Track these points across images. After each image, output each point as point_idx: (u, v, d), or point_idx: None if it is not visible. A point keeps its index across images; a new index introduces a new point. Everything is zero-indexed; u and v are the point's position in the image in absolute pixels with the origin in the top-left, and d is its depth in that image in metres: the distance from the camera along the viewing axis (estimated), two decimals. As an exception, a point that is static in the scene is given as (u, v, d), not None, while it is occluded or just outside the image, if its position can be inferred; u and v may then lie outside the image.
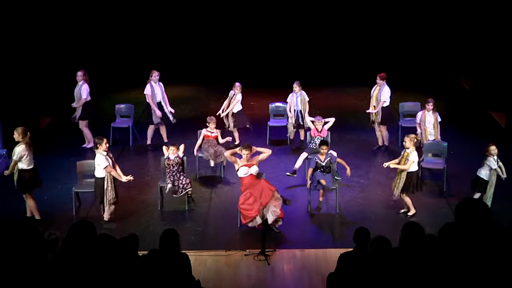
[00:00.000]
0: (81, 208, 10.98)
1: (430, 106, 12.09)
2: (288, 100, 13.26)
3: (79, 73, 13.15)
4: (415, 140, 10.33)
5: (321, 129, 12.06)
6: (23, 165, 10.20)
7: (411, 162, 10.19)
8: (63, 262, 5.77)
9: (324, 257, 9.37)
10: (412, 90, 15.64)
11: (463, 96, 16.93)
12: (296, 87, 13.08)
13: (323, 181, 10.48)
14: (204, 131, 12.25)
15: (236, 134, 13.40)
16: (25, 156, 10.14)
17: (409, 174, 10.28)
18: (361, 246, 6.69)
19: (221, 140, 12.14)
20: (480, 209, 4.88)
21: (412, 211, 10.57)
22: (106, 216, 10.40)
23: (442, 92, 16.85)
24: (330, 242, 9.86)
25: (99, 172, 10.21)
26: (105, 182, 10.14)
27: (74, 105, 13.24)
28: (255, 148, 10.67)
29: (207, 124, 12.22)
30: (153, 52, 18.99)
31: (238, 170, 10.41)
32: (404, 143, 10.38)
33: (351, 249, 6.77)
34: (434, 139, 11.97)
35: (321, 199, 10.74)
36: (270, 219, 9.79)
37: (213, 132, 12.17)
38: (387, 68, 14.07)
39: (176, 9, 19.33)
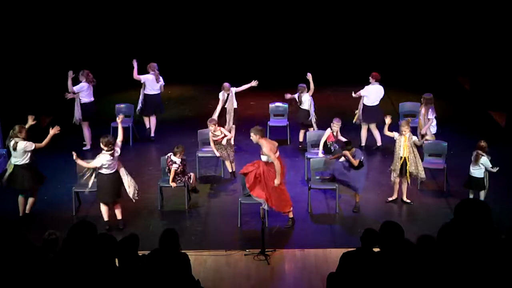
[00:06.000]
0: (81, 208, 10.98)
1: (422, 100, 12.49)
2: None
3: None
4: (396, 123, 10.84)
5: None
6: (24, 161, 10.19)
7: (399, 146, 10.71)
8: (63, 262, 5.78)
9: (324, 257, 9.38)
10: (412, 90, 15.63)
11: (463, 96, 16.92)
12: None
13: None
14: (211, 134, 11.90)
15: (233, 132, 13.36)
16: None
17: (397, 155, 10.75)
18: (366, 247, 6.66)
19: (224, 142, 11.82)
20: (480, 209, 4.88)
21: (394, 196, 11.00)
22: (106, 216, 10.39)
23: (441, 92, 16.84)
24: (330, 242, 9.87)
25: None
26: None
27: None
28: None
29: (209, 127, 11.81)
30: (153, 51, 18.96)
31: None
32: None
33: (353, 249, 6.75)
34: (423, 135, 12.21)
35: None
36: None
37: (217, 136, 11.81)
38: (387, 68, 14.07)
39: (175, 9, 19.33)
